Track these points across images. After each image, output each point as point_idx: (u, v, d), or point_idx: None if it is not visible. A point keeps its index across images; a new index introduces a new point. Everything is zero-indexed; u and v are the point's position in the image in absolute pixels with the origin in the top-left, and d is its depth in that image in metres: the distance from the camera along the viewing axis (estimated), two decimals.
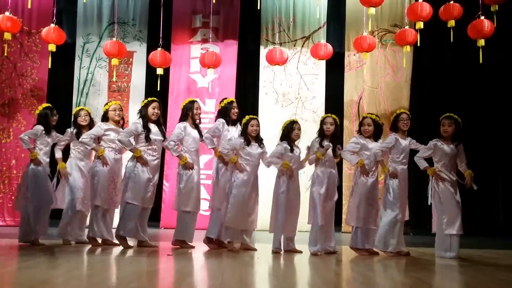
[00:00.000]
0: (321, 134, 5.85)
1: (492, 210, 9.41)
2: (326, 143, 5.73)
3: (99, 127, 6.06)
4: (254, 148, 5.93)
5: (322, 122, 5.88)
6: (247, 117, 6.03)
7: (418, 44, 8.01)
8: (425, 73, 9.85)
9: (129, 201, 5.79)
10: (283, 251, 5.68)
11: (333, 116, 5.91)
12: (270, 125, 9.03)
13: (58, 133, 6.33)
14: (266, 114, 9.28)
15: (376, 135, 5.91)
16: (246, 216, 5.83)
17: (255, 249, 5.85)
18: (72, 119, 6.52)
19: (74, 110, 6.67)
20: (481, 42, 7.30)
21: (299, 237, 6.00)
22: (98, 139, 6.08)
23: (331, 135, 5.82)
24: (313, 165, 5.81)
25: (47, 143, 6.20)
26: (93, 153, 6.29)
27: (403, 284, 4.05)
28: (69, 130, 6.36)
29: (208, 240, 6.00)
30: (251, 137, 5.94)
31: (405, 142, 5.88)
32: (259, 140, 6.00)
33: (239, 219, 5.78)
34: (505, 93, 9.50)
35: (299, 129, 5.89)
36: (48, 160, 6.24)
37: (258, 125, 6.02)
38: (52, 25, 7.95)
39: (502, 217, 9.41)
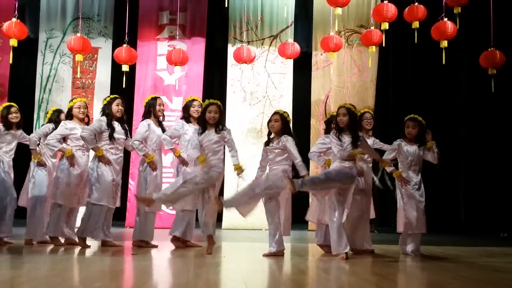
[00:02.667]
0: (338, 127, 5.41)
1: (454, 208, 9.63)
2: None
3: (64, 126, 5.90)
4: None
5: (336, 114, 5.43)
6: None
7: (383, 45, 8.13)
8: (390, 73, 10.02)
9: (95, 202, 5.66)
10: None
11: (347, 105, 5.45)
12: (237, 124, 9.04)
13: (21, 129, 6.21)
14: (233, 113, 9.27)
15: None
16: None
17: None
18: (51, 117, 6.26)
19: (52, 108, 6.46)
20: (444, 44, 7.45)
21: (262, 235, 6.03)
22: (64, 138, 5.96)
23: (346, 126, 5.37)
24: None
25: (8, 141, 6.07)
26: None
27: (367, 281, 4.09)
28: (49, 127, 6.16)
29: (174, 239, 5.95)
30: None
31: (369, 141, 5.92)
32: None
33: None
34: (467, 94, 9.74)
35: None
36: (9, 159, 6.09)
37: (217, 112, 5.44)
38: (14, 19, 7.72)
39: (464, 215, 9.66)
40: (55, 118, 6.23)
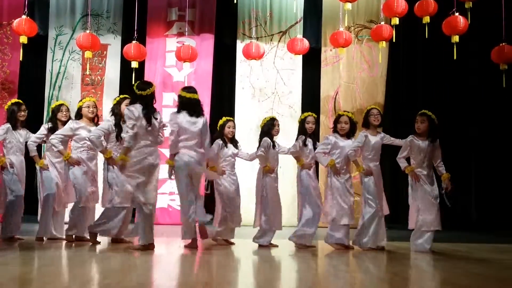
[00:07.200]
0: (303, 132, 6.00)
1: (465, 204, 9.55)
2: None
3: (69, 126, 5.89)
4: (231, 149, 6.06)
5: (304, 121, 5.99)
6: (224, 118, 6.14)
7: (394, 40, 8.07)
8: (400, 69, 9.92)
9: (117, 205, 5.47)
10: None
11: (314, 115, 6.12)
12: (246, 120, 9.02)
13: (30, 128, 6.24)
14: (242, 109, 9.25)
15: (350, 133, 5.99)
16: (238, 214, 6.04)
17: (234, 243, 5.99)
18: (50, 114, 6.33)
19: (53, 104, 6.39)
20: (455, 38, 7.39)
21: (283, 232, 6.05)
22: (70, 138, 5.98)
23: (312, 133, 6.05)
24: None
25: (17, 140, 6.09)
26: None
27: (378, 278, 4.07)
28: (45, 126, 6.19)
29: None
30: (228, 138, 6.06)
31: (375, 138, 5.89)
32: (234, 141, 6.17)
33: (235, 217, 5.97)
34: (478, 89, 9.64)
35: (279, 125, 6.08)
36: (21, 157, 6.15)
37: (234, 127, 6.16)
38: (24, 16, 7.77)
39: (475, 212, 9.58)
40: (52, 117, 6.19)
